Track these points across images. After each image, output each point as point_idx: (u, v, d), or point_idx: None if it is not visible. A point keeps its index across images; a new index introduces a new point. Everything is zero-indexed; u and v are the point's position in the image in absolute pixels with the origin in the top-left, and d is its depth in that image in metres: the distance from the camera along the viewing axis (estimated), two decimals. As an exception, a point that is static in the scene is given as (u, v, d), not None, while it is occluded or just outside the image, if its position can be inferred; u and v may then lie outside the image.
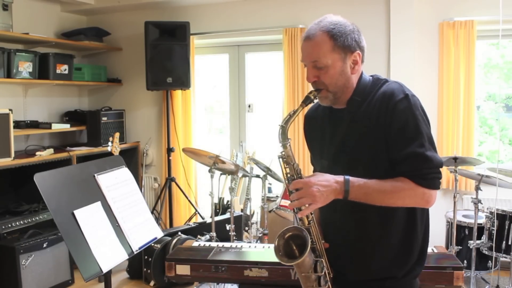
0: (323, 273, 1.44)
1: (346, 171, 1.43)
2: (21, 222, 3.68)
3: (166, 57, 4.37)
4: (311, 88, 1.54)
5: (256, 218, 4.36)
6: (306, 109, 1.61)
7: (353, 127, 1.50)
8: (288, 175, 1.46)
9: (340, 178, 1.40)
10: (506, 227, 3.26)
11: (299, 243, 1.42)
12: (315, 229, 1.47)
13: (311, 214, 1.45)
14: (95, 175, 2.02)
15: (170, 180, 4.64)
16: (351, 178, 1.40)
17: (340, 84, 1.49)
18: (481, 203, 3.27)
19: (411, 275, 1.52)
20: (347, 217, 1.51)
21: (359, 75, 1.54)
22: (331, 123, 1.58)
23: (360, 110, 1.50)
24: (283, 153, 1.46)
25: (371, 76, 1.58)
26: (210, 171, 3.36)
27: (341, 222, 1.54)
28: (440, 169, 1.44)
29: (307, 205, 1.37)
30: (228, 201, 4.52)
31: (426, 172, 1.40)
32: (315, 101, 1.52)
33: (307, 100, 1.48)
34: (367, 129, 1.46)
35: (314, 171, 1.72)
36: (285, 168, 1.47)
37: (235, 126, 4.87)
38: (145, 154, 4.97)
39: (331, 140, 1.56)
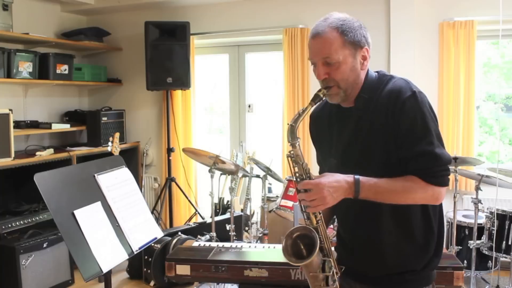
0: (331, 273, 1.44)
1: (355, 169, 1.44)
2: (21, 222, 3.68)
3: (166, 57, 4.37)
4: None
5: (256, 218, 4.36)
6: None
7: (361, 125, 1.50)
8: (297, 174, 1.45)
9: (350, 178, 1.40)
10: (506, 227, 3.26)
11: (307, 243, 1.42)
12: (323, 228, 1.47)
13: (319, 213, 1.45)
14: (95, 175, 2.02)
15: (170, 180, 4.64)
16: (361, 178, 1.39)
17: (351, 81, 1.48)
18: (481, 203, 3.27)
19: (430, 267, 1.54)
20: (362, 214, 1.51)
21: (365, 71, 1.53)
22: (339, 121, 1.57)
23: (367, 108, 1.49)
24: (292, 152, 1.45)
25: (376, 72, 1.57)
26: (210, 171, 3.36)
27: (357, 219, 1.54)
28: (449, 165, 1.44)
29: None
30: (228, 201, 4.52)
31: (436, 170, 1.41)
32: (324, 99, 1.50)
33: (316, 98, 1.46)
34: (375, 127, 1.46)
35: (320, 171, 1.71)
36: (293, 167, 1.46)
37: (235, 126, 4.86)
38: (145, 154, 4.97)
39: (339, 138, 1.55)
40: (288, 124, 1.44)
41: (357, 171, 1.43)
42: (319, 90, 1.47)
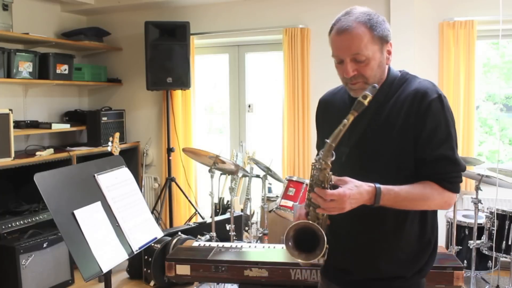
0: (325, 257, 1.40)
1: (367, 161, 1.43)
2: (21, 222, 3.68)
3: (166, 57, 4.37)
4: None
5: (256, 218, 4.36)
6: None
7: (379, 119, 1.46)
8: (315, 178, 1.37)
9: (371, 188, 1.36)
10: (506, 227, 3.26)
11: (306, 232, 1.38)
12: (324, 222, 1.43)
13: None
14: (95, 175, 2.02)
15: (170, 180, 4.64)
16: (382, 189, 1.36)
17: (378, 76, 1.46)
18: (481, 203, 3.26)
19: (420, 275, 1.51)
20: (359, 215, 1.44)
21: (388, 66, 1.51)
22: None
23: (387, 102, 1.47)
24: (322, 161, 1.35)
25: (399, 71, 1.55)
26: (210, 171, 3.36)
27: (352, 219, 1.46)
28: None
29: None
30: (228, 201, 4.52)
31: (454, 175, 1.42)
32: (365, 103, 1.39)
33: (360, 107, 1.33)
34: (394, 123, 1.43)
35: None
36: (313, 169, 1.39)
37: (235, 126, 4.87)
38: (145, 154, 4.97)
39: (353, 129, 1.46)
40: (326, 141, 1.35)
41: (368, 162, 1.42)
42: (363, 97, 1.32)
